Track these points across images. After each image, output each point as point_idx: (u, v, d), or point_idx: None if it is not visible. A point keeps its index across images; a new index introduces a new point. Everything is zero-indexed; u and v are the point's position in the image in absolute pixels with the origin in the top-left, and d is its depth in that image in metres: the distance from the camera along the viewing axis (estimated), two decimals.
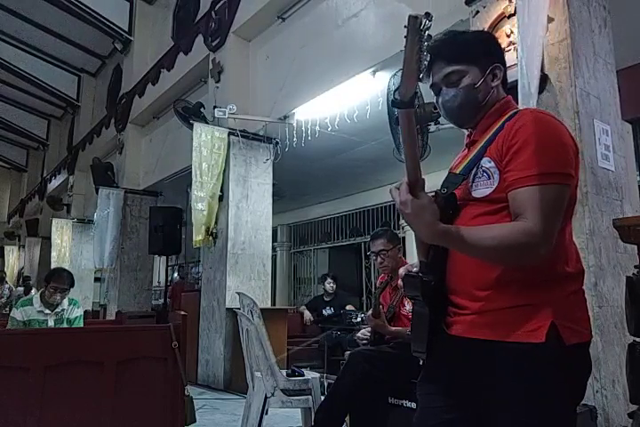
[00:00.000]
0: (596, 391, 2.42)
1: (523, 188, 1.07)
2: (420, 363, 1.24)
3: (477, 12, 3.19)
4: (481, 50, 1.25)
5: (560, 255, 1.13)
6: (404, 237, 7.71)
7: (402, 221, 7.66)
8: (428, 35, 0.94)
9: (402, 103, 1.04)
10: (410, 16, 0.92)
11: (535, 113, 1.17)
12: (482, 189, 1.16)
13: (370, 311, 2.68)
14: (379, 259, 2.79)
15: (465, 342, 1.14)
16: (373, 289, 8.08)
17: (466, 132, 1.33)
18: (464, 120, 1.28)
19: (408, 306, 2.67)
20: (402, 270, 1.27)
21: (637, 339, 1.63)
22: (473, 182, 1.18)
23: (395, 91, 1.03)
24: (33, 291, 8.88)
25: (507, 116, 1.20)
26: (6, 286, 9.10)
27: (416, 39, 0.93)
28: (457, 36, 1.26)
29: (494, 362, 1.09)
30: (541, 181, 1.06)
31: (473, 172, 1.18)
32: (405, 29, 0.94)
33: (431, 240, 1.11)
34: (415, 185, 1.10)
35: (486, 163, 1.16)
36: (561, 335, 1.07)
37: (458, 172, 1.21)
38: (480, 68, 1.22)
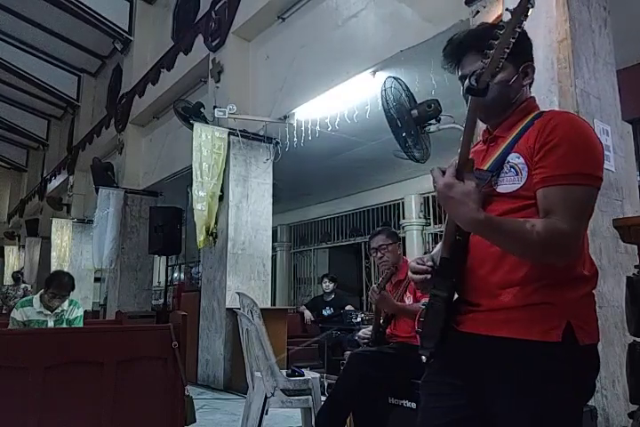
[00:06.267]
0: (596, 391, 2.41)
1: (554, 186, 1.06)
2: (424, 361, 1.21)
3: (477, 12, 3.19)
4: (516, 46, 1.20)
5: (579, 258, 1.13)
6: (403, 237, 7.73)
7: (402, 221, 7.65)
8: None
9: (478, 91, 1.01)
10: None
11: (568, 114, 1.18)
12: (507, 185, 1.14)
13: (374, 285, 2.59)
14: (378, 254, 2.82)
15: (477, 340, 1.13)
16: None
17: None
18: (491, 116, 1.25)
19: (408, 301, 2.68)
20: (413, 263, 1.25)
21: (637, 339, 1.63)
22: (498, 177, 1.16)
23: (470, 76, 1.00)
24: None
25: (534, 115, 1.19)
26: (22, 286, 9.00)
27: (518, 24, 0.92)
28: (491, 28, 1.20)
29: (508, 360, 1.08)
30: (574, 181, 1.05)
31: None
32: (508, 13, 0.94)
33: (469, 227, 1.08)
34: (463, 168, 1.06)
35: (515, 158, 1.14)
36: (576, 336, 1.07)
37: (486, 168, 1.18)
38: (514, 65, 1.19)
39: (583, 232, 1.07)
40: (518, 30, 0.95)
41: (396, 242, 2.86)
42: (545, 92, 2.66)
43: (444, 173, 1.08)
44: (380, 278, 2.67)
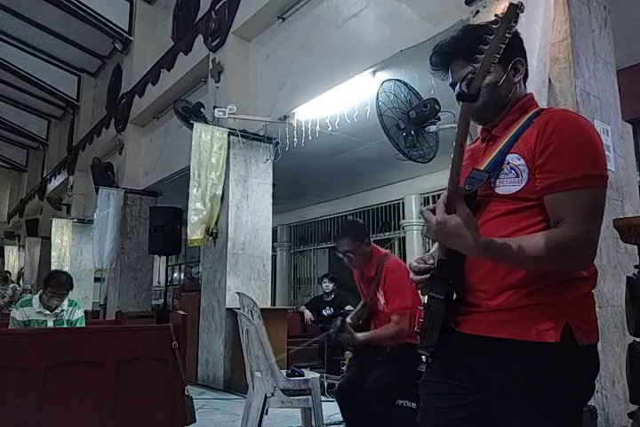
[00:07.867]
0: (596, 391, 2.41)
1: (563, 191, 1.05)
2: (424, 360, 1.22)
3: (477, 11, 3.19)
4: (505, 47, 1.18)
5: None
6: (404, 237, 7.74)
7: (402, 221, 7.66)
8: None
9: (469, 97, 0.98)
10: (511, 4, 0.91)
11: (567, 112, 1.16)
12: (508, 187, 1.12)
13: (332, 331, 2.54)
14: (346, 259, 2.72)
15: (475, 340, 1.13)
16: None
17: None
18: (487, 119, 1.24)
19: (382, 299, 2.63)
20: (414, 263, 1.24)
21: (637, 339, 1.63)
22: (497, 178, 1.14)
23: (460, 82, 0.96)
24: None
25: (532, 113, 1.18)
26: (10, 285, 9.09)
27: (507, 30, 0.91)
28: (474, 31, 1.19)
29: (507, 361, 1.08)
30: (582, 184, 1.04)
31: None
32: (499, 19, 0.94)
33: (473, 255, 1.08)
34: (453, 198, 1.06)
35: (515, 160, 1.12)
36: (575, 336, 1.07)
37: (483, 168, 1.16)
38: (502, 64, 1.14)
39: (597, 236, 1.06)
40: (508, 36, 0.93)
41: (363, 241, 2.70)
42: (534, 94, 2.65)
43: (434, 211, 1.08)
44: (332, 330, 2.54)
